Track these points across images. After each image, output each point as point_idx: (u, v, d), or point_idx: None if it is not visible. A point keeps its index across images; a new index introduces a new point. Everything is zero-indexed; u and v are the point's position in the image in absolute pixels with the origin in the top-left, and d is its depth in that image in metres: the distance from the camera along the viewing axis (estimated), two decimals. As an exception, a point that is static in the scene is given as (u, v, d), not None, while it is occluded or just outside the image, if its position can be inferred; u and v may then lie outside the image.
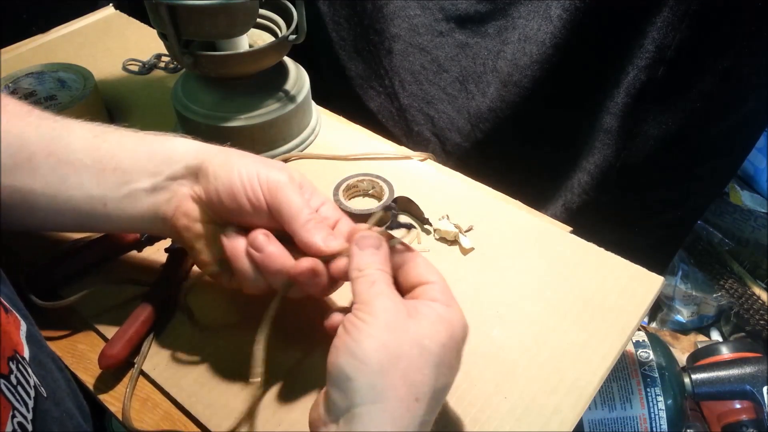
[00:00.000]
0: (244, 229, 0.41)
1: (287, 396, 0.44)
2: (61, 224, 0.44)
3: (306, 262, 0.38)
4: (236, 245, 0.40)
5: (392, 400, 0.31)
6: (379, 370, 0.32)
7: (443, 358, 0.33)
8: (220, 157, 0.41)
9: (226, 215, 0.41)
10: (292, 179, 0.41)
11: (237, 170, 0.40)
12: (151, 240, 0.55)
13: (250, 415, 0.43)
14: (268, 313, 0.39)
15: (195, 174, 0.41)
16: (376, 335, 0.32)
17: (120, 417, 0.44)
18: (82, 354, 0.48)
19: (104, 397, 0.45)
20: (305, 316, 0.46)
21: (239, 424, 0.43)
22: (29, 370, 0.32)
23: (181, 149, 0.42)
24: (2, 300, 0.33)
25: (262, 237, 0.39)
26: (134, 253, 0.55)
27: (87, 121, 0.44)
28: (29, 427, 0.30)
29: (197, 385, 0.45)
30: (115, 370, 0.46)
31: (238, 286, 0.42)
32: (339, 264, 0.39)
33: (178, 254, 0.52)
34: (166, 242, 0.55)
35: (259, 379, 0.38)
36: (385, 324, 0.33)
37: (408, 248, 0.39)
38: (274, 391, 0.44)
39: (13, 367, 0.30)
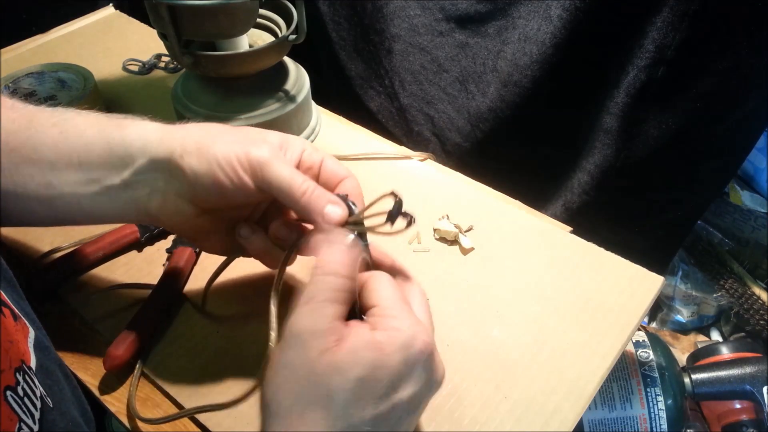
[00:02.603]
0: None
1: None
2: (41, 221, 0.42)
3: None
4: (258, 245, 0.41)
5: None
6: (277, 412, 0.31)
7: (361, 392, 0.31)
8: (190, 146, 0.38)
9: (217, 204, 0.40)
10: (274, 150, 0.38)
11: (215, 160, 0.37)
12: (152, 240, 0.55)
13: (249, 414, 0.43)
14: (278, 275, 0.39)
15: (165, 167, 0.39)
16: (279, 374, 0.32)
17: (120, 417, 0.44)
18: (82, 355, 0.48)
19: (105, 398, 0.45)
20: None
21: (239, 424, 0.43)
22: (36, 380, 0.32)
23: (139, 141, 0.39)
24: (12, 306, 0.33)
25: (283, 230, 0.41)
26: (134, 253, 0.55)
27: (47, 107, 0.42)
28: None
29: (197, 385, 0.45)
30: (117, 371, 0.46)
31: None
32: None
33: (179, 255, 0.52)
34: (167, 242, 0.55)
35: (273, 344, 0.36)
36: (291, 360, 0.32)
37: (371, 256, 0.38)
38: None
39: (20, 378, 0.30)
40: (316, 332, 0.32)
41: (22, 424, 0.28)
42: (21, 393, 0.29)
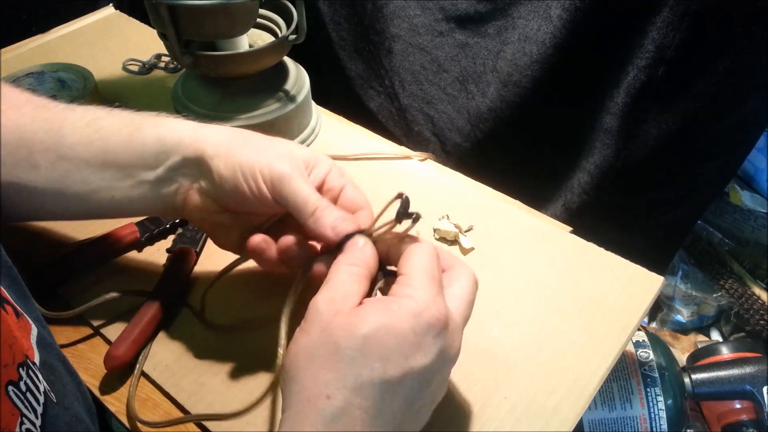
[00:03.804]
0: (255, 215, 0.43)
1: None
2: (72, 215, 0.45)
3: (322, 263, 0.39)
4: (262, 251, 0.41)
5: (301, 402, 0.32)
6: (294, 375, 0.33)
7: (367, 350, 0.32)
8: (220, 149, 0.40)
9: (236, 207, 0.42)
10: (295, 166, 0.40)
11: (239, 168, 0.39)
12: (152, 240, 0.55)
13: (250, 415, 0.43)
14: (290, 293, 0.39)
15: (196, 165, 0.41)
16: (298, 341, 0.34)
17: (120, 417, 0.44)
18: (82, 354, 0.48)
19: (105, 398, 0.45)
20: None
21: (239, 424, 0.42)
22: (39, 375, 0.32)
23: (173, 140, 0.41)
24: (14, 303, 0.33)
25: (295, 248, 0.40)
26: (134, 253, 0.55)
27: (78, 105, 0.44)
28: None
29: (197, 385, 0.45)
30: (118, 371, 0.46)
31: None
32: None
33: (180, 255, 0.52)
34: (167, 242, 0.55)
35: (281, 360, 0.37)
36: (307, 328, 0.34)
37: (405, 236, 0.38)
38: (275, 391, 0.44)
39: (23, 373, 0.30)
40: (331, 299, 0.34)
41: (24, 418, 0.28)
42: (24, 388, 0.29)
